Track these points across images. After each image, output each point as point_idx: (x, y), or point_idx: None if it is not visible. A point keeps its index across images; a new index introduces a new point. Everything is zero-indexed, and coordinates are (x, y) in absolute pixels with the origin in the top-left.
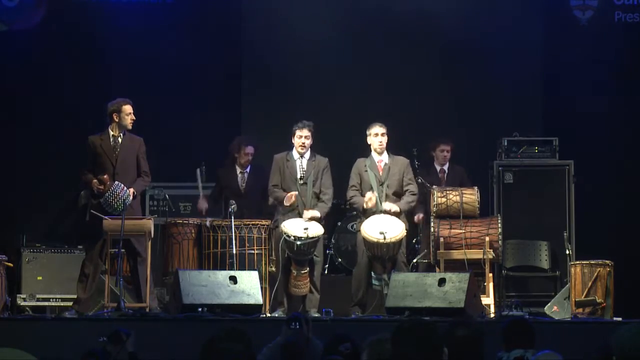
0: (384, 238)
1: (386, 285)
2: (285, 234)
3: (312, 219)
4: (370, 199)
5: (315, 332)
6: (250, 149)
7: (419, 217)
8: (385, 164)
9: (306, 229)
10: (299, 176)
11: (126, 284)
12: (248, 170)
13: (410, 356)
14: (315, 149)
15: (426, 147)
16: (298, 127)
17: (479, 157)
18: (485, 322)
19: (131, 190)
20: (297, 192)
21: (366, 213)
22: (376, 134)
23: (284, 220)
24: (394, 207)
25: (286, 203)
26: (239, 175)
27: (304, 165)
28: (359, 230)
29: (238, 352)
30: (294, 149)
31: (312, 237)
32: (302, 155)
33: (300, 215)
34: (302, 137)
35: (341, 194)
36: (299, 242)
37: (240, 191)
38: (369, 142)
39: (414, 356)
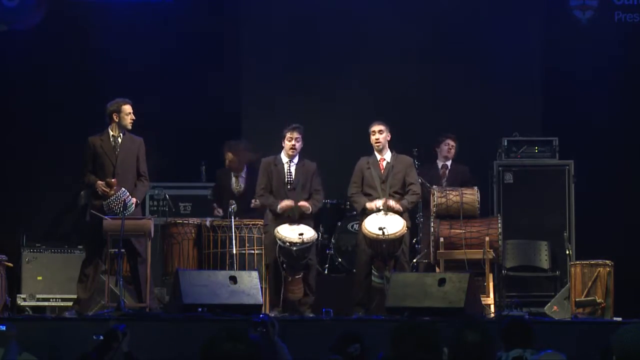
0: (383, 233)
1: (388, 282)
2: (280, 240)
3: (302, 206)
4: (287, 205)
5: (316, 332)
6: (228, 155)
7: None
8: (388, 162)
9: (301, 234)
10: (286, 181)
11: (126, 284)
12: (244, 172)
13: (410, 356)
14: (314, 150)
15: (428, 145)
16: (288, 130)
17: (479, 157)
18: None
19: (134, 199)
20: (292, 203)
21: (365, 213)
22: (373, 132)
23: (276, 226)
24: (396, 206)
25: (279, 211)
26: (233, 178)
27: (292, 171)
28: (360, 228)
29: (239, 353)
30: (283, 152)
31: (307, 243)
32: (290, 160)
33: (290, 220)
34: (292, 139)
35: (341, 194)
36: (295, 248)
37: (235, 192)
38: (371, 142)
39: (414, 356)
